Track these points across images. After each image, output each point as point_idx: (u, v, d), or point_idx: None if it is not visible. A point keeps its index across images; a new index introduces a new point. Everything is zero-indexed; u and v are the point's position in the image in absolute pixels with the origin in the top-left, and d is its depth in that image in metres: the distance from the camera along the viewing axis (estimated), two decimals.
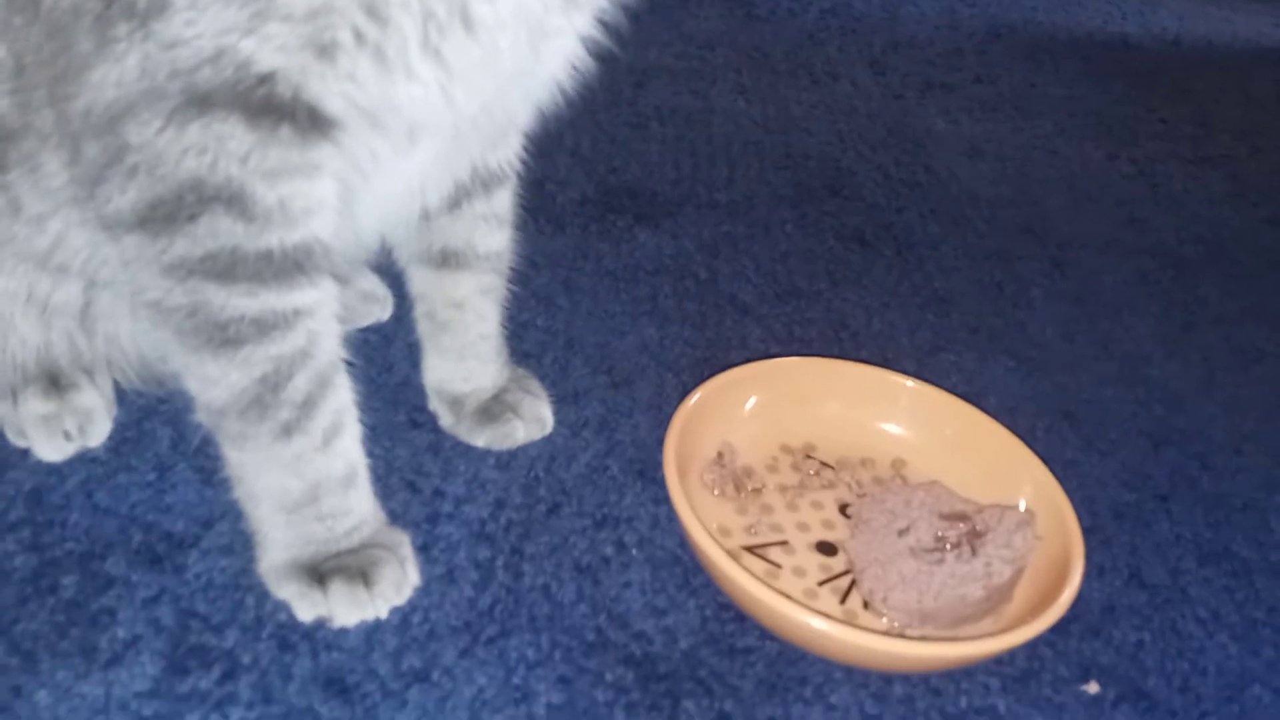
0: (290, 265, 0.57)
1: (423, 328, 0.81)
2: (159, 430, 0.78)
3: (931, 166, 1.44)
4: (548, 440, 0.84)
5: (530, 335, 0.96)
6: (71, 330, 0.71)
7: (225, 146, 0.53)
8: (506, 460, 0.82)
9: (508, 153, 0.75)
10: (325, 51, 0.53)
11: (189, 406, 0.66)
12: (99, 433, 0.76)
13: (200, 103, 0.52)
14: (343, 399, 0.63)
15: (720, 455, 0.81)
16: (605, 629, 0.69)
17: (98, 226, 0.58)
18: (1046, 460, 0.84)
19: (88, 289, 0.69)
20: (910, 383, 0.87)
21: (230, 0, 0.50)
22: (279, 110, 0.53)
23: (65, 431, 0.74)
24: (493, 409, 0.82)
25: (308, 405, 0.61)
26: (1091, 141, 1.58)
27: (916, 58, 1.81)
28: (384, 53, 0.54)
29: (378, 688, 0.63)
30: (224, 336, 0.57)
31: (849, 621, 0.71)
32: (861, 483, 0.83)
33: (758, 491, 0.81)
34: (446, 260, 0.77)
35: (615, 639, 0.69)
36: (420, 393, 0.86)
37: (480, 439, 0.82)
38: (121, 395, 0.80)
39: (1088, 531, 0.83)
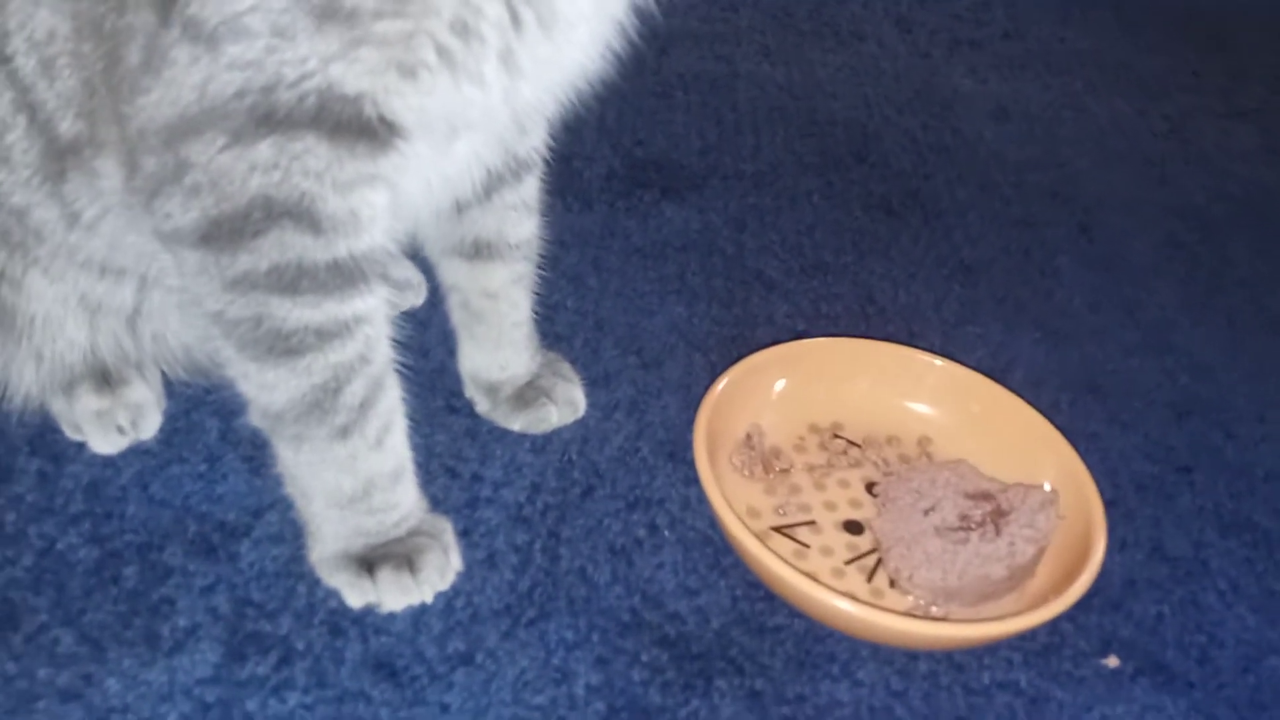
0: (355, 273, 0.59)
1: (457, 318, 0.84)
2: (207, 421, 0.81)
3: (959, 129, 1.43)
4: (581, 423, 0.86)
5: (561, 317, 0.98)
6: (118, 331, 0.74)
7: (300, 163, 0.54)
8: (541, 444, 0.84)
9: (535, 140, 0.77)
10: (410, 70, 0.54)
11: (236, 401, 0.69)
12: (150, 425, 0.79)
13: (271, 122, 0.53)
14: (394, 398, 0.66)
15: (749, 437, 0.83)
16: (640, 610, 0.72)
17: (153, 237, 0.60)
18: (1071, 434, 0.86)
19: (140, 289, 0.72)
20: (938, 361, 0.88)
21: (323, 29, 0.51)
22: (358, 127, 0.55)
23: (118, 426, 0.77)
24: (527, 394, 0.84)
25: (364, 407, 0.63)
26: (1121, 97, 1.56)
27: (943, 13, 1.78)
28: (461, 65, 0.55)
29: (425, 670, 0.67)
30: (286, 346, 0.60)
31: (874, 601, 0.73)
32: (888, 461, 0.85)
33: (786, 472, 0.83)
34: (479, 251, 0.79)
35: (649, 620, 0.72)
36: (456, 378, 0.88)
37: (516, 423, 0.84)
38: (169, 387, 0.83)
39: (1110, 505, 0.85)
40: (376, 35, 0.52)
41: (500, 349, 0.83)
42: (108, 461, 0.78)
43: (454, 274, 0.81)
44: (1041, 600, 0.72)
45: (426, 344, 0.93)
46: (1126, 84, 1.60)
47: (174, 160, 0.55)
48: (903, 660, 0.71)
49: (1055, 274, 1.16)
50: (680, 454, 0.84)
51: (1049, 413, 0.93)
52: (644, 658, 0.69)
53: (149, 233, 0.61)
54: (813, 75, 1.52)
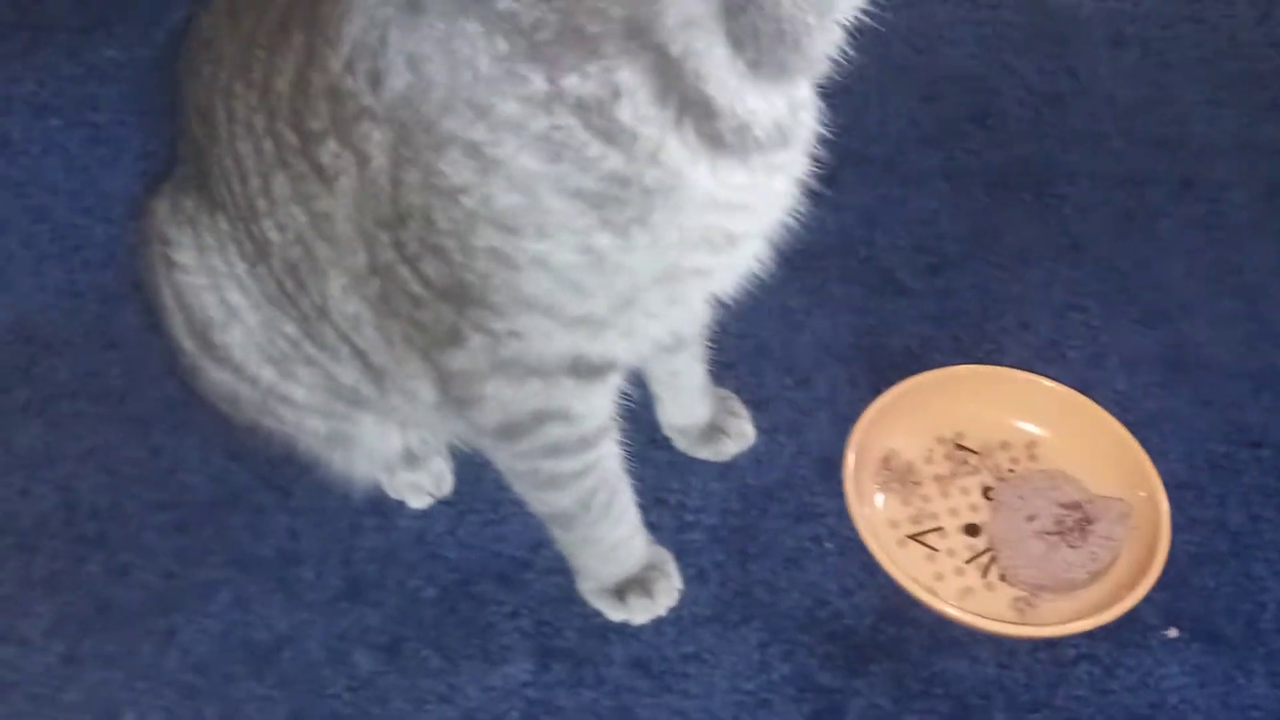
0: (596, 439, 0.85)
1: (652, 387, 1.09)
2: (484, 474, 1.10)
3: (1074, 68, 1.52)
4: (752, 449, 1.12)
5: (727, 344, 1.20)
6: (422, 433, 1.03)
7: (558, 391, 0.78)
8: (724, 471, 1.11)
9: None
10: (630, 335, 0.77)
11: None
12: (447, 486, 1.09)
13: (538, 374, 0.77)
14: (626, 494, 0.93)
15: (887, 459, 1.08)
16: (812, 610, 1.01)
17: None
18: (1156, 418, 1.09)
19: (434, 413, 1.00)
20: (1046, 382, 1.09)
21: (576, 329, 0.73)
22: (594, 369, 0.78)
23: (427, 491, 1.08)
24: (709, 432, 1.11)
25: (607, 506, 0.91)
26: None
27: None
28: (667, 319, 0.78)
29: (668, 667, 0.98)
30: (553, 483, 0.87)
31: (988, 592, 0.99)
32: (1000, 466, 1.08)
33: (917, 484, 1.07)
34: (665, 346, 1.03)
35: (820, 617, 1.00)
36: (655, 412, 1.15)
37: (703, 454, 1.11)
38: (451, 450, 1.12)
39: (1184, 486, 1.07)
40: (609, 326, 0.75)
41: (686, 406, 1.09)
42: (423, 515, 1.09)
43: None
44: (1118, 587, 0.96)
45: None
46: None
47: (473, 393, 0.80)
48: (1009, 641, 0.97)
49: (1156, 239, 1.30)
50: (832, 472, 1.09)
51: (1139, 397, 1.14)
52: (818, 650, 0.98)
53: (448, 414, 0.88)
54: (932, 20, 1.62)
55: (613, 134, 0.63)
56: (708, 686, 0.96)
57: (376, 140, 0.68)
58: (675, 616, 1.01)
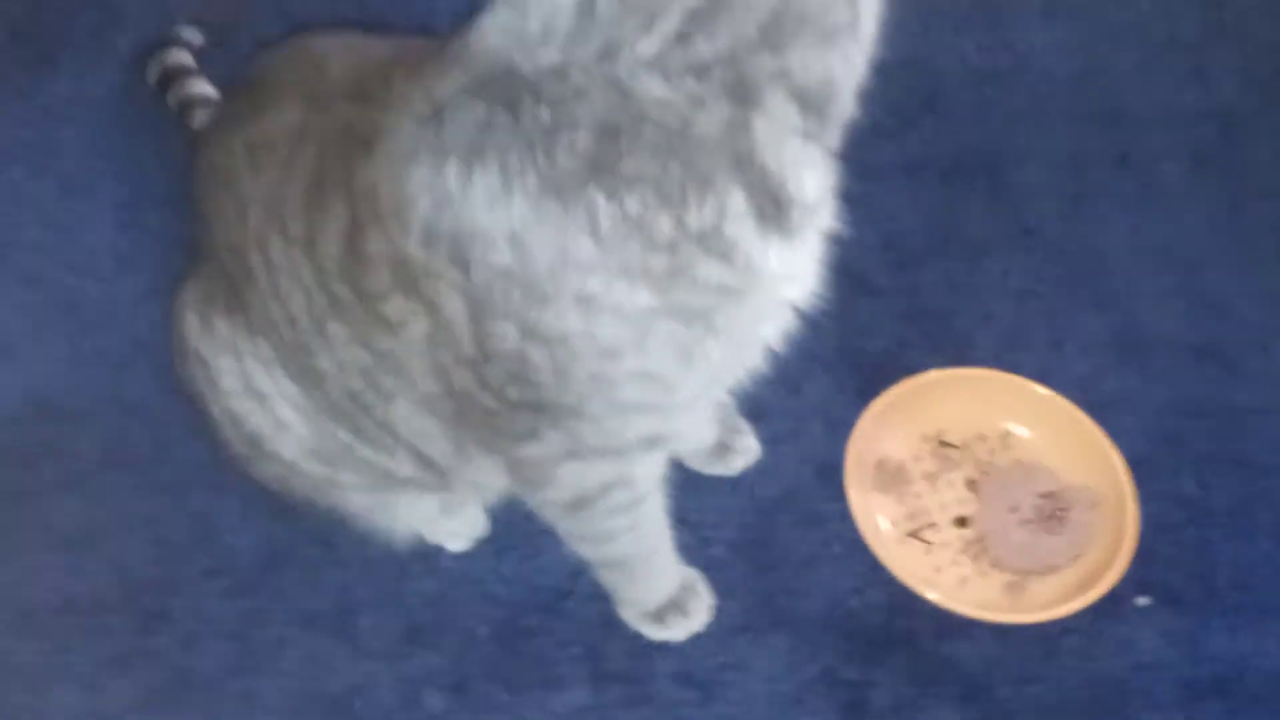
0: (648, 494, 0.94)
1: None
2: (513, 511, 1.19)
3: (1011, 43, 1.60)
4: (757, 461, 1.22)
5: None
6: (463, 494, 1.10)
7: (625, 464, 0.86)
8: (734, 485, 1.21)
9: None
10: (701, 407, 0.86)
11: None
12: (482, 527, 1.17)
13: (609, 454, 0.84)
14: (667, 543, 1.03)
15: (880, 463, 1.19)
16: (829, 612, 1.12)
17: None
18: (1113, 398, 1.21)
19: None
20: (1041, 390, 1.20)
21: (658, 414, 0.81)
22: (665, 440, 0.87)
23: (465, 535, 1.16)
24: (717, 450, 1.20)
25: (649, 552, 1.01)
26: None
27: None
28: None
29: (709, 677, 1.09)
30: (610, 537, 0.96)
31: (981, 579, 1.12)
32: (980, 458, 1.20)
33: (909, 483, 1.19)
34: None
35: (836, 617, 1.12)
36: None
37: (714, 470, 1.21)
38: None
39: (1144, 461, 1.19)
40: (691, 407, 0.83)
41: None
42: (464, 556, 1.17)
43: None
44: (1096, 566, 1.10)
45: None
46: None
47: (546, 475, 0.88)
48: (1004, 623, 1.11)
49: (1100, 221, 1.41)
50: (831, 476, 1.19)
51: (1097, 379, 1.26)
52: (840, 648, 1.10)
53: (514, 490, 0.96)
54: None
55: (724, 252, 0.71)
56: (747, 692, 1.08)
57: (445, 292, 0.74)
58: (710, 630, 1.12)
